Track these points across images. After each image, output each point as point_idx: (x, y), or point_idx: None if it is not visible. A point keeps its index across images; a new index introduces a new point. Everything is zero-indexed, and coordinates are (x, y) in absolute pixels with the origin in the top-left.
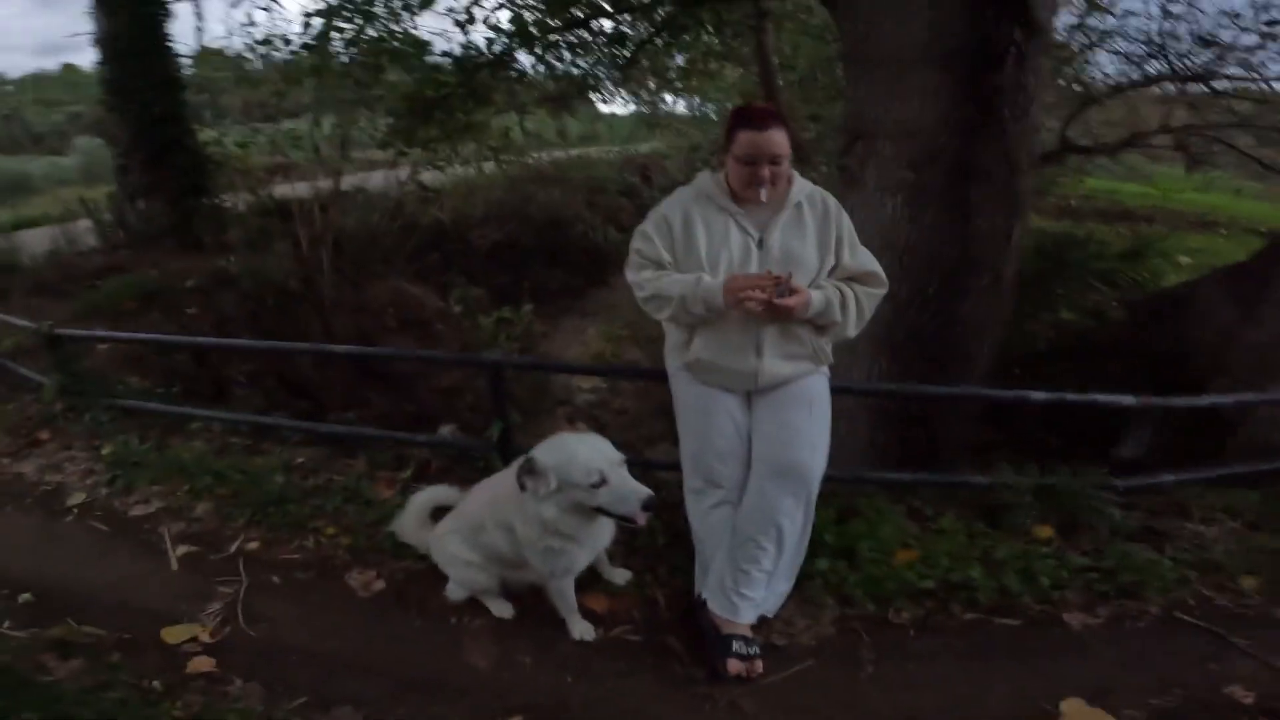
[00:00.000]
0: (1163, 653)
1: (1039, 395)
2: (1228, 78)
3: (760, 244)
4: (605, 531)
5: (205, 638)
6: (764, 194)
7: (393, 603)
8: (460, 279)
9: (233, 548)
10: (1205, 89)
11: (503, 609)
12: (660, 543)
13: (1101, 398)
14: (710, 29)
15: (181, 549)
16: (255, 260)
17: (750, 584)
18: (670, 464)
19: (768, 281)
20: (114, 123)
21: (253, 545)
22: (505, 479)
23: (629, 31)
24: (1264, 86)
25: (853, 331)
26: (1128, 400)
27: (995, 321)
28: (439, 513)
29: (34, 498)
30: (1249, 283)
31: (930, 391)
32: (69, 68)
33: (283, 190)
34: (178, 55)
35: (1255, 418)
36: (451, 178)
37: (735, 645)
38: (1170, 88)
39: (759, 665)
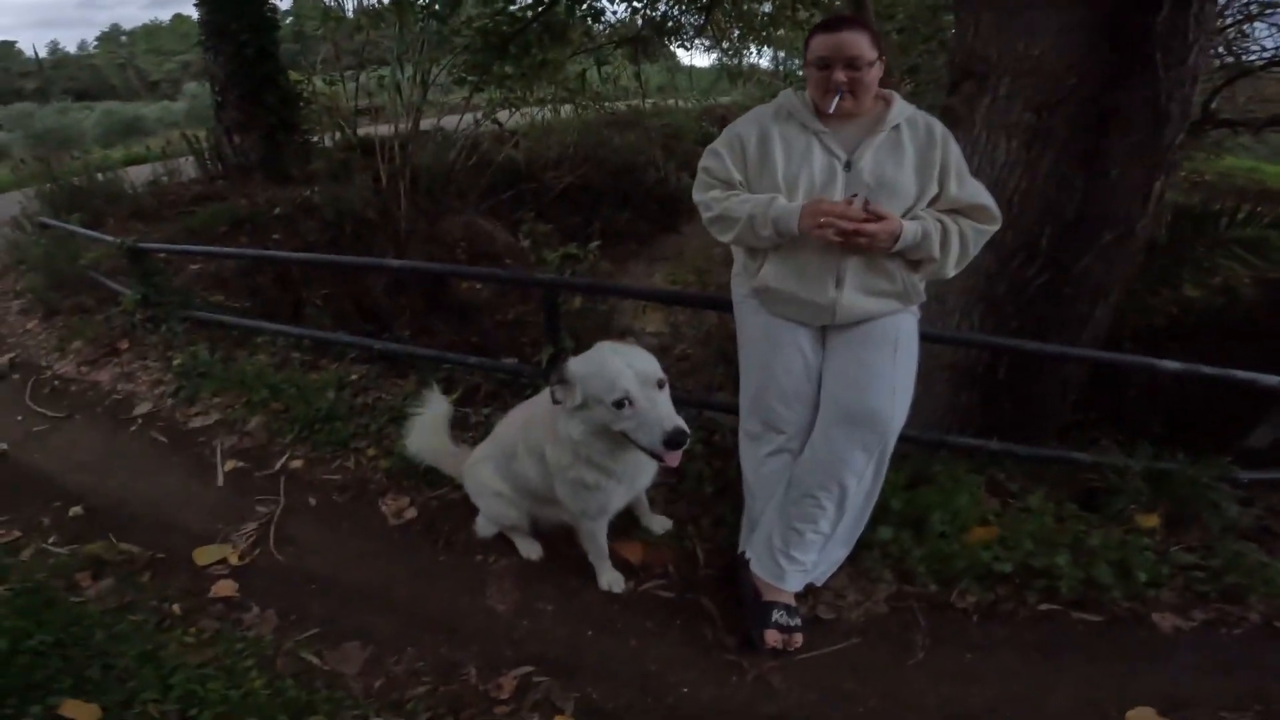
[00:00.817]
0: (1251, 665)
1: (1170, 364)
2: None
3: (848, 166)
4: (644, 470)
5: (234, 560)
6: (834, 104)
7: (421, 534)
8: (531, 217)
9: (277, 465)
10: None
11: (530, 549)
12: (708, 491)
13: (1239, 374)
14: None
15: (230, 464)
16: (337, 191)
17: (802, 546)
18: (726, 406)
19: (855, 214)
20: (212, 63)
21: (296, 463)
22: (542, 400)
23: None
24: None
25: (952, 270)
26: (1270, 381)
27: (1116, 284)
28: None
29: (104, 407)
30: None
31: (1037, 349)
32: (179, 18)
33: (366, 130)
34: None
35: None
36: (528, 120)
37: (775, 614)
38: None
39: (798, 638)
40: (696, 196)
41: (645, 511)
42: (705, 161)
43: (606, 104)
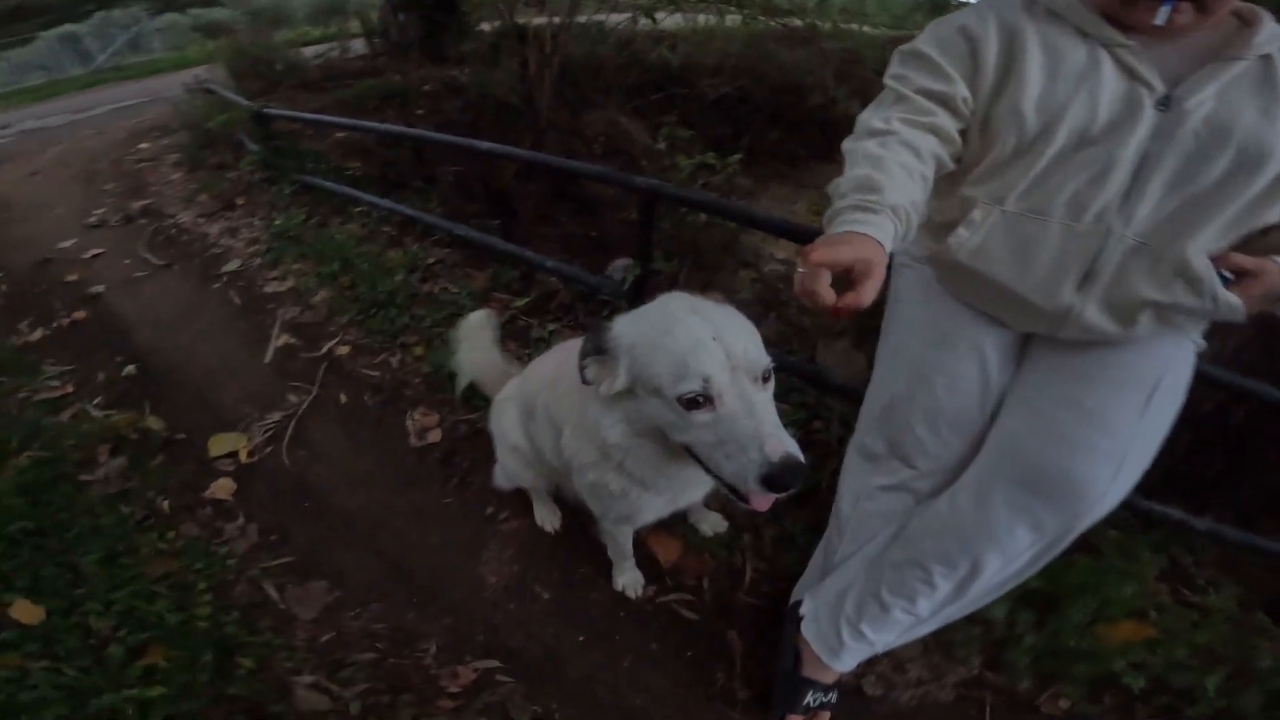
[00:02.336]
0: None
1: None
2: None
3: (1164, 103)
4: (699, 484)
5: (243, 455)
6: (1165, 13)
7: (437, 465)
8: (674, 121)
9: (325, 348)
10: None
11: (548, 518)
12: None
13: None
14: None
15: (283, 340)
16: (484, 74)
17: (882, 625)
18: (844, 389)
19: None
20: None
21: (343, 350)
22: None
23: None
24: None
25: None
26: None
27: None
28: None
29: (202, 260)
30: None
31: None
32: None
33: (524, 18)
34: None
35: None
36: (690, 23)
37: (811, 696)
38: None
39: (825, 716)
40: (862, 117)
41: (697, 505)
42: (897, 67)
43: (779, 20)
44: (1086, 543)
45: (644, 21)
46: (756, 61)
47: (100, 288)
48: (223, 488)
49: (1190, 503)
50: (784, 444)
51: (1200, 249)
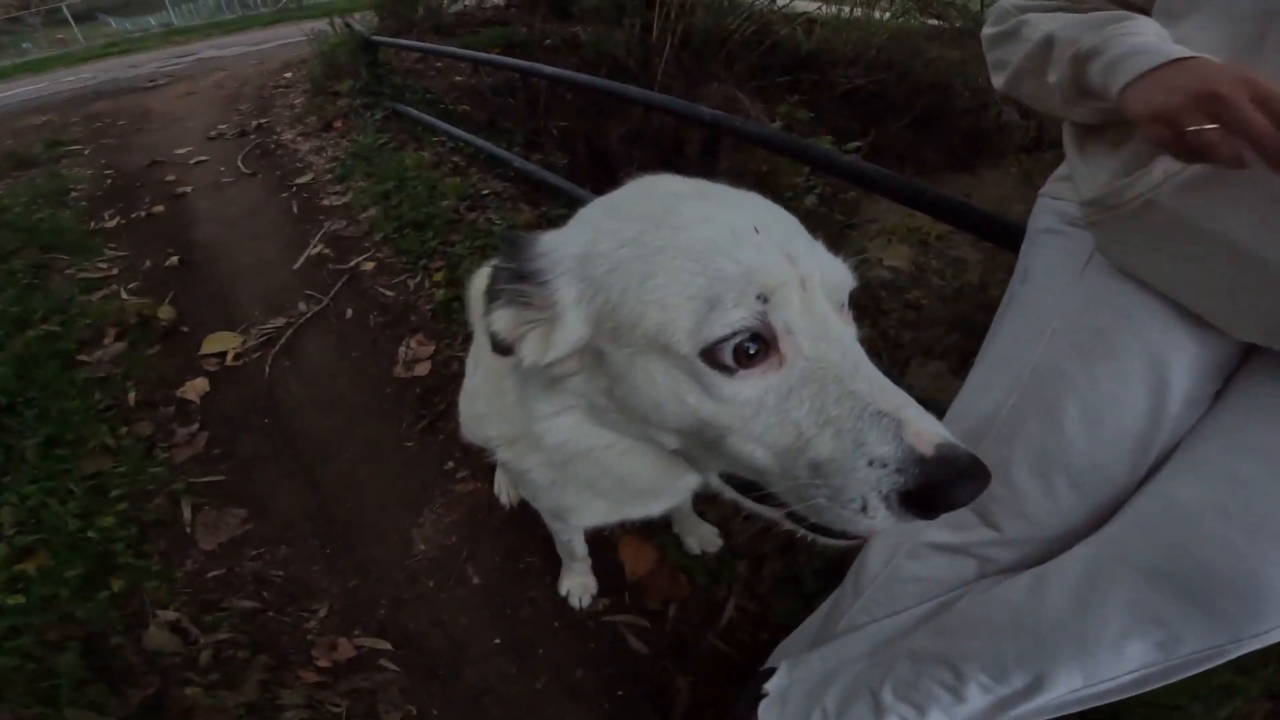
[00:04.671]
0: None
1: None
2: None
3: None
4: (681, 490)
5: (230, 359)
6: None
7: (414, 401)
8: (794, 101)
9: (353, 262)
10: None
11: (507, 489)
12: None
13: None
14: None
15: (318, 249)
16: (604, 32)
17: None
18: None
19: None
20: None
21: (369, 265)
22: None
23: None
24: None
25: None
26: None
27: None
28: None
29: (284, 171)
30: None
31: None
32: None
33: None
34: None
35: None
36: (833, 9)
37: None
38: None
39: None
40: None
41: (688, 512)
42: None
43: (934, 18)
44: None
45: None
46: (901, 56)
47: (188, 188)
48: (195, 388)
49: None
50: (929, 420)
51: None
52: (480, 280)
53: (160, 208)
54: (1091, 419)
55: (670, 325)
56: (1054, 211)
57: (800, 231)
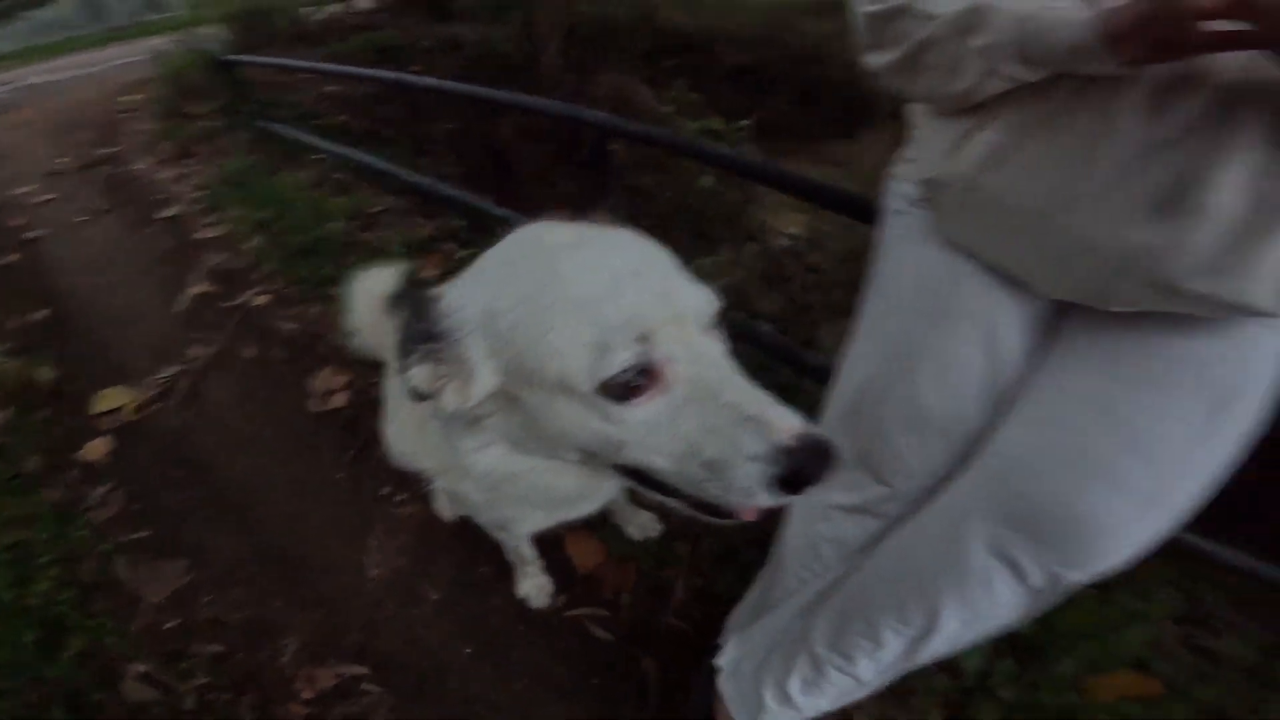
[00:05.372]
0: None
1: None
2: None
3: None
4: (608, 490)
5: (129, 413)
6: None
7: (337, 434)
8: (682, 85)
9: (242, 297)
10: None
11: (448, 505)
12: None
13: None
14: None
15: (199, 289)
16: (485, 31)
17: (813, 688)
18: (825, 371)
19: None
20: None
21: (262, 299)
22: None
23: None
24: None
25: None
26: None
27: None
28: None
29: (146, 204)
30: None
31: None
32: None
33: None
34: None
35: None
36: None
37: None
38: None
39: None
40: None
41: (623, 504)
42: None
43: None
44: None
45: None
46: (778, 31)
47: (41, 232)
48: (96, 449)
49: (1222, 529)
50: (788, 417)
51: None
52: (362, 284)
53: (15, 256)
54: (942, 377)
55: (570, 370)
56: (899, 194)
57: (671, 269)
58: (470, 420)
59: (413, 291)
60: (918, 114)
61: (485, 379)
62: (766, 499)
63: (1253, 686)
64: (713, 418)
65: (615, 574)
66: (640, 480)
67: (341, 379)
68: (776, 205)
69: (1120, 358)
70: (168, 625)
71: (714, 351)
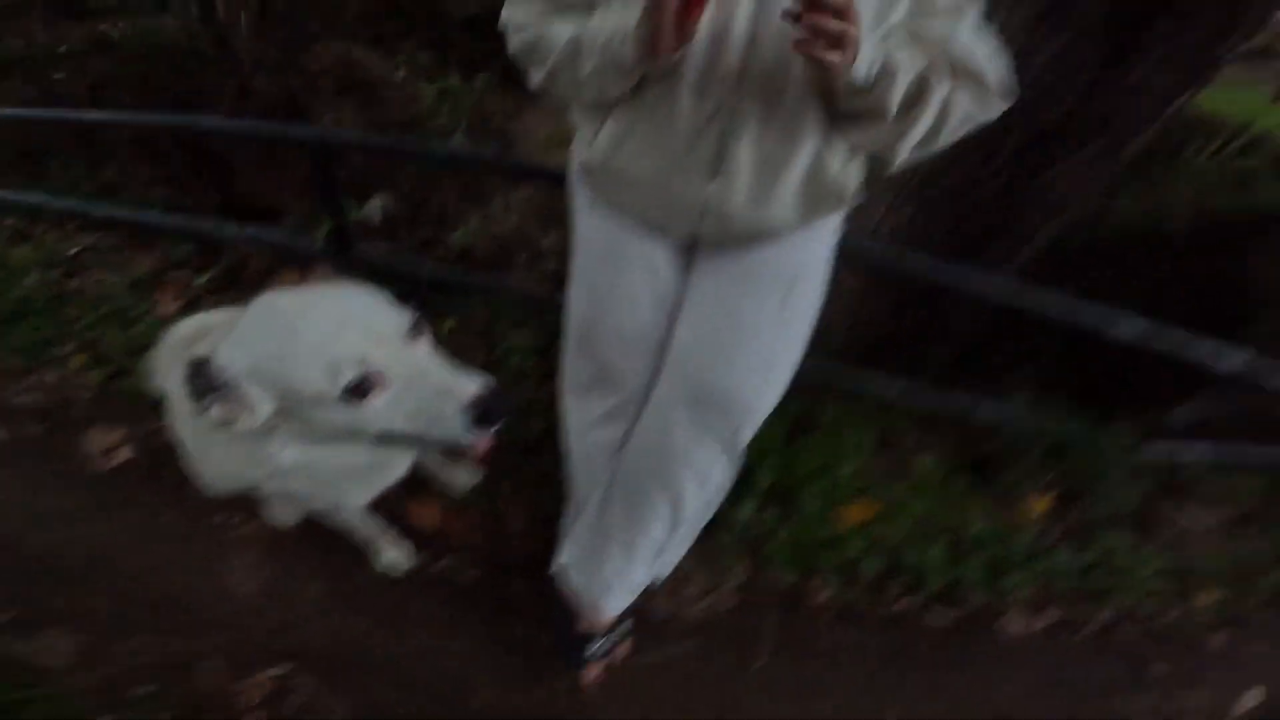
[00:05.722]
0: (1079, 678)
1: (1129, 327)
2: None
3: None
4: (402, 460)
5: None
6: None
7: (141, 483)
8: (411, 47)
9: None
10: None
11: (283, 513)
12: (533, 431)
13: (1204, 348)
14: None
15: None
16: (148, 24)
17: (630, 559)
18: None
19: None
20: None
21: None
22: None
23: None
24: None
25: (906, 151)
26: (1233, 362)
27: (1078, 202)
28: None
29: None
30: None
31: (980, 287)
32: None
33: None
34: None
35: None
36: None
37: (595, 647)
38: None
39: (626, 647)
40: (507, 13)
41: (439, 464)
42: None
43: None
44: (810, 421)
45: None
46: None
47: None
48: None
49: (900, 368)
50: (469, 382)
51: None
52: (175, 340)
53: None
54: (631, 305)
55: (319, 389)
56: (574, 169)
57: (374, 305)
58: (266, 431)
59: (198, 361)
60: (573, 110)
61: (264, 407)
62: (476, 435)
63: (949, 494)
64: (423, 395)
65: (459, 523)
66: (397, 443)
67: (116, 434)
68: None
69: (729, 271)
70: (93, 680)
71: (415, 353)
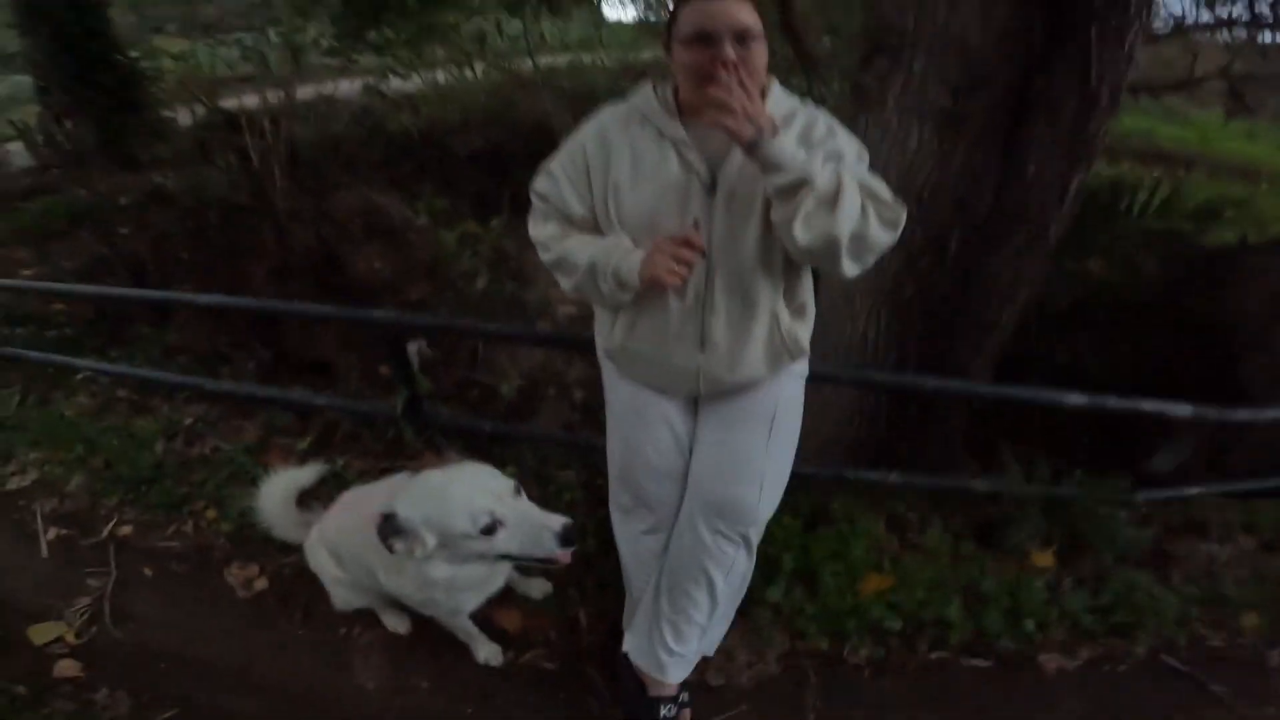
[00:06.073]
0: (1133, 704)
1: (1075, 399)
2: None
3: (712, 187)
4: (502, 572)
5: (71, 638)
6: (733, 90)
7: (275, 606)
8: (435, 188)
9: (105, 532)
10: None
11: (396, 623)
12: (590, 547)
13: (1148, 406)
14: None
15: (52, 532)
16: (196, 174)
17: (681, 639)
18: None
19: (691, 252)
20: (28, 45)
21: (126, 530)
22: (359, 504)
23: None
24: None
25: (845, 233)
26: (1181, 412)
27: (1025, 286)
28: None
29: None
30: None
31: (932, 387)
32: None
33: (231, 104)
34: None
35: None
36: (429, 84)
37: (663, 710)
38: (1235, 31)
39: (687, 715)
40: (532, 231)
41: (519, 578)
42: (538, 184)
43: (513, 64)
44: (824, 514)
45: (373, 91)
46: (501, 110)
47: None
48: (69, 668)
49: (902, 464)
50: (557, 520)
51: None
52: (268, 493)
53: None
54: (656, 449)
55: (466, 530)
56: (600, 351)
57: (489, 472)
58: (426, 557)
59: (389, 514)
60: (595, 306)
61: (431, 541)
62: (562, 552)
63: (959, 559)
64: (527, 530)
65: (538, 624)
66: (508, 559)
67: (252, 569)
68: (546, 285)
69: (725, 415)
70: None
71: (521, 503)
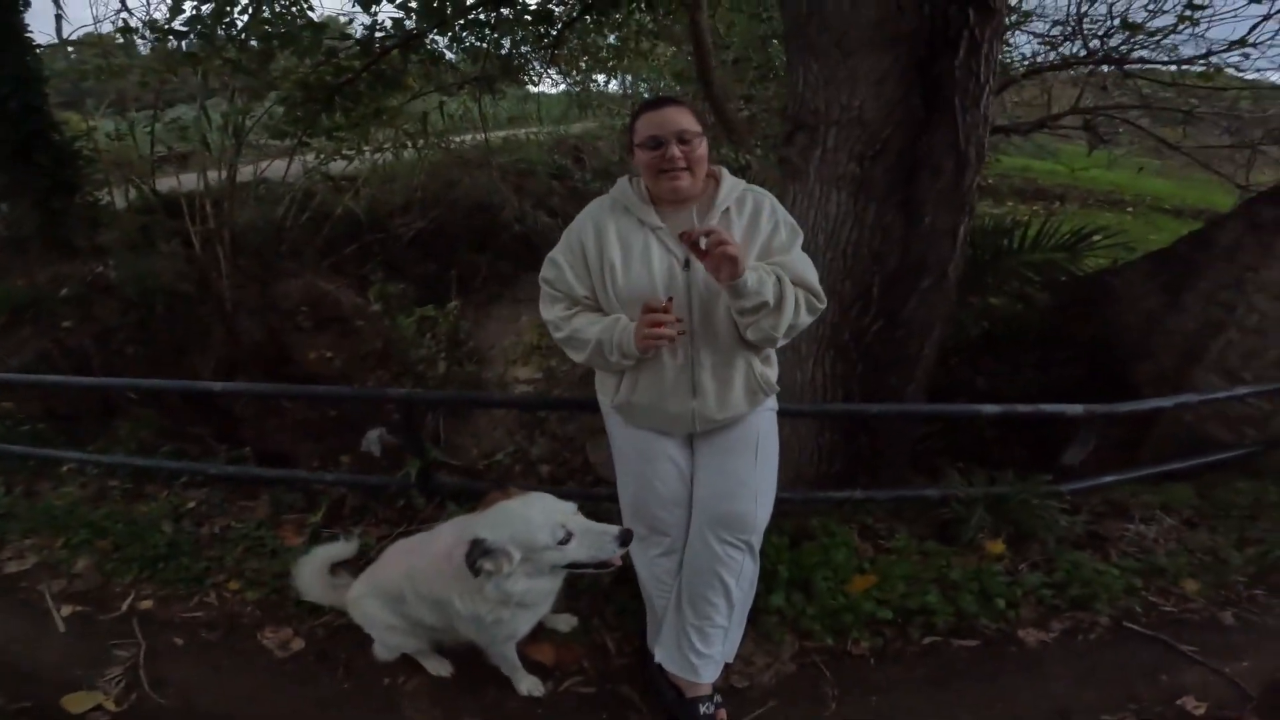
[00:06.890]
0: (1115, 666)
1: (990, 408)
2: (1140, 61)
3: (686, 265)
4: (552, 592)
5: (110, 706)
6: (684, 182)
7: (315, 663)
8: (382, 271)
9: (124, 606)
10: (1117, 70)
11: (440, 667)
12: (605, 581)
13: (1048, 408)
14: (642, 6)
15: (66, 609)
16: (138, 263)
17: (707, 641)
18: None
19: (670, 319)
20: None
21: (146, 604)
22: (422, 548)
23: (556, 8)
24: (1174, 69)
25: (784, 327)
26: (1075, 410)
27: (939, 322)
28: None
29: None
30: (1174, 270)
31: (876, 410)
32: None
33: (169, 184)
34: (35, 46)
35: (1180, 411)
36: (368, 165)
37: (702, 709)
38: (1084, 69)
39: (723, 715)
40: (544, 313)
41: (550, 615)
42: (546, 272)
43: (453, 142)
44: (805, 532)
45: (318, 174)
46: (442, 191)
47: None
48: None
49: (867, 477)
50: (612, 528)
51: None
52: (305, 570)
53: None
54: (663, 480)
55: (547, 543)
56: (605, 403)
57: (557, 500)
58: (507, 575)
59: (478, 540)
60: (598, 373)
61: (515, 557)
62: (619, 552)
63: (926, 556)
64: (592, 537)
65: (569, 655)
66: (572, 567)
67: (286, 631)
68: (505, 358)
69: (718, 445)
70: None
71: (582, 518)
